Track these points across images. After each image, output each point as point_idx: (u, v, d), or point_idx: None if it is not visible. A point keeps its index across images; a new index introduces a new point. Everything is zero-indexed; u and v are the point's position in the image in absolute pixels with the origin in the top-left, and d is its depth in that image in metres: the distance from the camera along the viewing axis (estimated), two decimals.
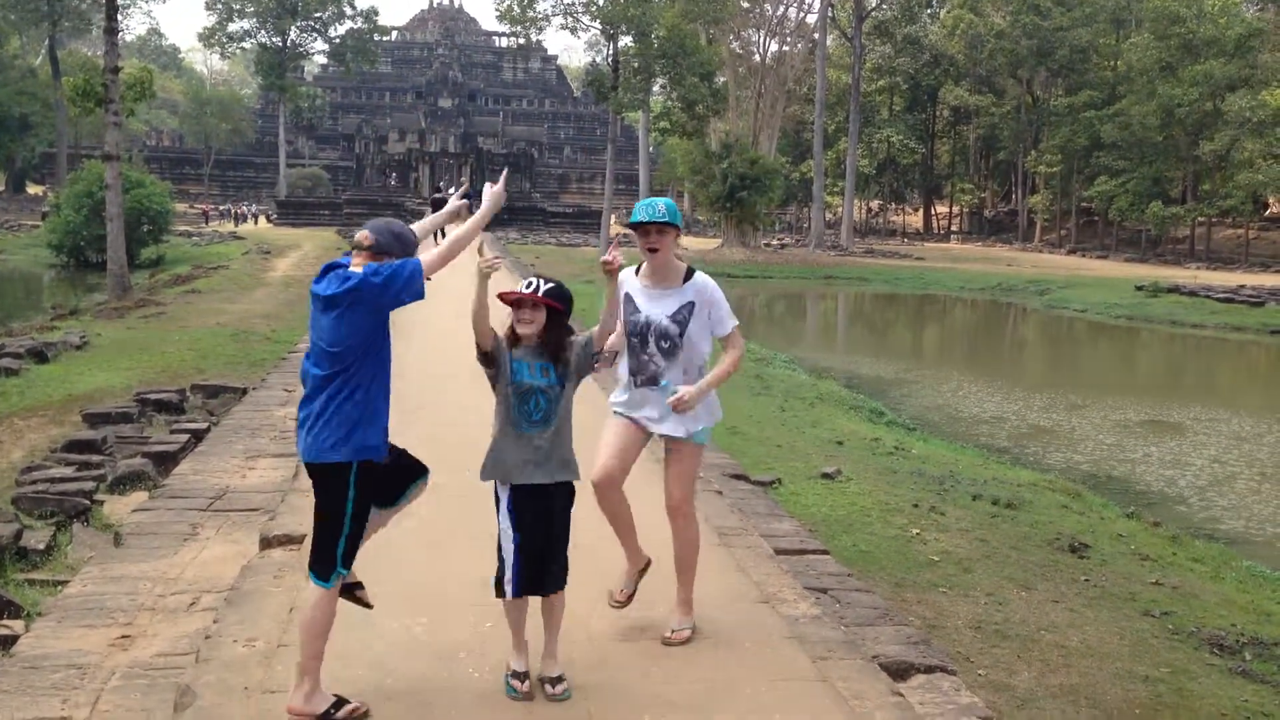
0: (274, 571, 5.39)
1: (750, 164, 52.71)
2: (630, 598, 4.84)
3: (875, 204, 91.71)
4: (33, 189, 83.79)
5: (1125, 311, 37.30)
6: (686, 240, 65.29)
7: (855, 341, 31.28)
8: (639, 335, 4.68)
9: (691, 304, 4.65)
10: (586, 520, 4.66)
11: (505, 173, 4.92)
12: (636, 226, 4.61)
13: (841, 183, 70.60)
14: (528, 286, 4.11)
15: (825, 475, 9.72)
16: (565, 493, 4.25)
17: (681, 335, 4.64)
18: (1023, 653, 6.14)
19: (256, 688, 4.09)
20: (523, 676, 4.11)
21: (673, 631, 4.71)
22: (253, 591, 5.15)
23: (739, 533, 6.15)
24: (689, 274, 4.73)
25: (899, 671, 4.76)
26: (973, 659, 5.97)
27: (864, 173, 76.97)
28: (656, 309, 4.66)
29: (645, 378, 4.71)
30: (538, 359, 4.14)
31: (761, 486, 8.63)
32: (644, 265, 4.77)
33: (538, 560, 4.13)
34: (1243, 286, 40.33)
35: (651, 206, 4.61)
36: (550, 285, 4.14)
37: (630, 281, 4.75)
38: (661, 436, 4.79)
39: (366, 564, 4.70)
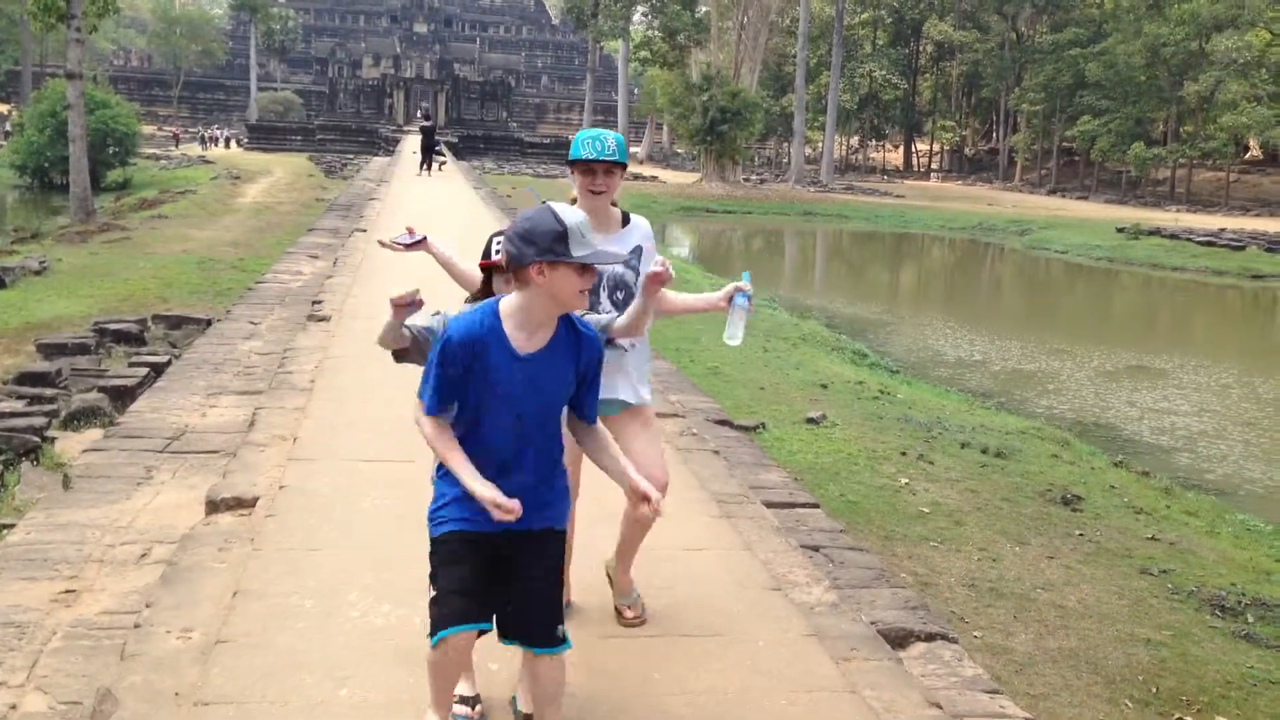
0: (219, 543, 4.80)
1: (731, 97, 51.94)
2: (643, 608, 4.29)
3: (856, 140, 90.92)
4: None
5: (1106, 254, 37.09)
6: (665, 174, 64.62)
7: (835, 280, 30.96)
8: (590, 291, 4.06)
9: (639, 248, 4.03)
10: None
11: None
12: (580, 164, 3.87)
13: (822, 118, 69.88)
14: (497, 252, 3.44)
15: (810, 420, 9.43)
16: None
17: (635, 283, 3.97)
18: (1019, 613, 5.90)
19: (189, 695, 3.50)
20: (471, 701, 3.47)
21: (629, 606, 4.19)
22: (193, 568, 4.55)
23: (740, 501, 5.67)
24: (625, 217, 4.09)
25: (898, 639, 4.47)
26: (968, 620, 5.72)
27: (845, 108, 76.14)
28: None
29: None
30: None
31: (745, 432, 8.32)
32: (577, 208, 4.02)
33: None
34: (1224, 230, 40.17)
35: (600, 141, 3.85)
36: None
37: None
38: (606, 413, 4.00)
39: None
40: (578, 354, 3.04)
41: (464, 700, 3.42)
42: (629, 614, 4.19)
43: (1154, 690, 5.20)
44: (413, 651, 3.81)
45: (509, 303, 2.98)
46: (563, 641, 3.08)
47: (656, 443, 4.08)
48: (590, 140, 3.85)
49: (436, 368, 2.93)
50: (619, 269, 3.96)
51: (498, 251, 3.42)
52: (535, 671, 3.14)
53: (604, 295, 3.97)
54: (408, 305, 3.26)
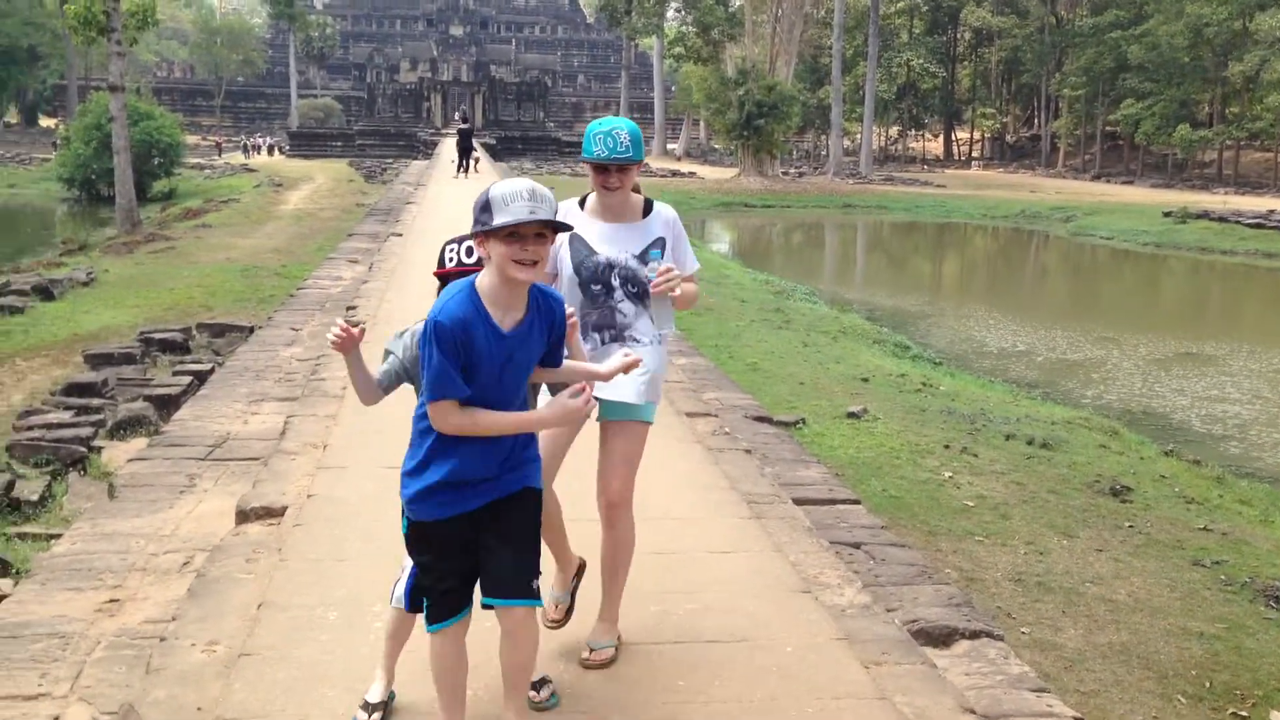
0: (247, 554, 4.83)
1: (767, 91, 51.65)
2: (569, 612, 3.98)
3: (894, 130, 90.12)
4: (45, 122, 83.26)
5: (1153, 239, 36.55)
6: (703, 169, 64.46)
7: (876, 272, 30.74)
8: (601, 281, 3.81)
9: (661, 239, 3.86)
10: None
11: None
12: (592, 162, 3.73)
13: (860, 109, 69.32)
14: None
15: (851, 414, 9.35)
16: None
17: (651, 278, 3.80)
18: (1068, 608, 5.80)
19: (211, 709, 3.51)
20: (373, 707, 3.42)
21: (591, 652, 3.83)
22: (221, 579, 4.59)
23: (770, 501, 5.60)
24: (648, 206, 3.92)
25: (942, 638, 4.41)
26: (1015, 615, 5.64)
27: (883, 98, 75.43)
28: (618, 248, 3.82)
29: (614, 332, 3.85)
30: None
31: (785, 427, 8.27)
32: (593, 198, 3.90)
33: None
34: (1273, 211, 39.32)
35: (612, 137, 3.68)
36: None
37: (575, 216, 3.86)
38: (600, 418, 3.86)
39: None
40: (550, 325, 3.06)
41: (370, 707, 3.44)
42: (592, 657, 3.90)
43: (1207, 685, 5.09)
44: None
45: (482, 279, 2.98)
46: (537, 596, 3.12)
47: (632, 461, 3.90)
48: (602, 136, 3.70)
49: (439, 355, 2.86)
50: (631, 262, 3.83)
51: (451, 260, 3.40)
52: (511, 632, 3.10)
53: (617, 287, 3.84)
54: (349, 342, 3.23)
